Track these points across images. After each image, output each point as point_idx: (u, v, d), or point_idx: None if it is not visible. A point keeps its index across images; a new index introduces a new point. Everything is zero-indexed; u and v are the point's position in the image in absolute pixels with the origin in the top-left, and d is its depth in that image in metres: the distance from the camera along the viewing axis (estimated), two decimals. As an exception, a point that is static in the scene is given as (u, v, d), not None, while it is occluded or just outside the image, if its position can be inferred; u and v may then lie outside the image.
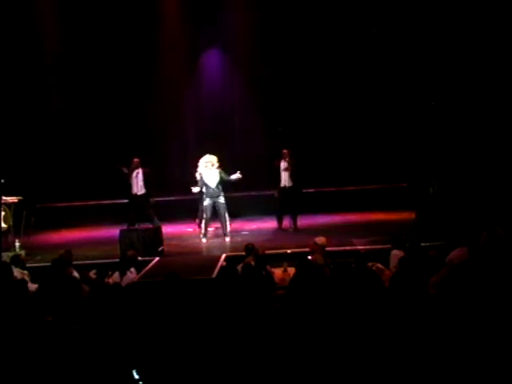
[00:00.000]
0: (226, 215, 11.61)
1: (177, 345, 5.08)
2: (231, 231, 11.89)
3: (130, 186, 12.24)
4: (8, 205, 11.00)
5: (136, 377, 4.75)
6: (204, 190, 11.54)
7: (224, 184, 11.60)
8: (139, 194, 12.30)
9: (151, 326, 5.39)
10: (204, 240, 11.61)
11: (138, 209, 12.32)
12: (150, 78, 14.69)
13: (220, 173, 11.48)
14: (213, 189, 11.47)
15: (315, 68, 14.46)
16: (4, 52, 13.69)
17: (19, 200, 11.25)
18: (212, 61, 14.99)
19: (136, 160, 12.26)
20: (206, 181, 11.48)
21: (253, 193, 14.16)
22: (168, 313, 5.66)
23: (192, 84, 15.08)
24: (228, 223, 11.68)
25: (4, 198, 10.83)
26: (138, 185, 12.25)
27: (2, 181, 10.52)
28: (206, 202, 11.52)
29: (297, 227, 12.15)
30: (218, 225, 11.92)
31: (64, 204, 14.41)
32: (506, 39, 12.68)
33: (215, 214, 11.68)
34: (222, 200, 11.50)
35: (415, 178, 12.73)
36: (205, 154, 11.68)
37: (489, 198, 10.81)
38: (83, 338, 5.20)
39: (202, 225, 11.74)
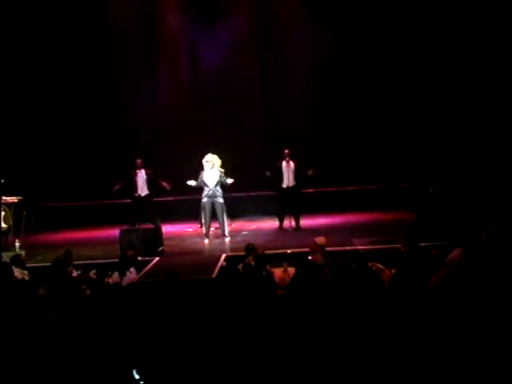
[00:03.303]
0: (225, 216, 11.59)
1: (177, 345, 5.08)
2: (231, 231, 11.89)
3: (132, 187, 12.21)
4: (8, 205, 11.00)
5: (136, 377, 4.75)
6: (203, 188, 11.53)
7: (222, 185, 11.58)
8: (142, 195, 12.29)
9: (151, 326, 5.38)
10: (206, 240, 11.60)
11: (140, 210, 12.30)
12: (150, 78, 14.69)
13: (220, 175, 11.47)
14: (211, 188, 11.45)
15: (316, 68, 14.46)
16: (3, 53, 13.67)
17: (19, 200, 11.24)
18: (212, 60, 14.95)
19: (139, 161, 12.23)
20: (206, 180, 11.47)
21: (253, 193, 14.15)
22: (168, 313, 5.66)
23: (192, 84, 15.08)
24: (227, 224, 11.67)
25: (4, 197, 10.82)
26: (141, 186, 12.23)
27: (2, 181, 10.52)
28: (204, 200, 11.51)
29: (299, 227, 12.15)
30: (218, 225, 11.91)
31: (64, 204, 14.40)
32: (506, 39, 12.69)
33: (215, 214, 11.68)
34: (220, 200, 11.48)
35: (415, 178, 12.74)
36: (205, 153, 11.68)
37: (488, 198, 10.82)
38: (83, 338, 5.20)
39: (203, 225, 11.73)
